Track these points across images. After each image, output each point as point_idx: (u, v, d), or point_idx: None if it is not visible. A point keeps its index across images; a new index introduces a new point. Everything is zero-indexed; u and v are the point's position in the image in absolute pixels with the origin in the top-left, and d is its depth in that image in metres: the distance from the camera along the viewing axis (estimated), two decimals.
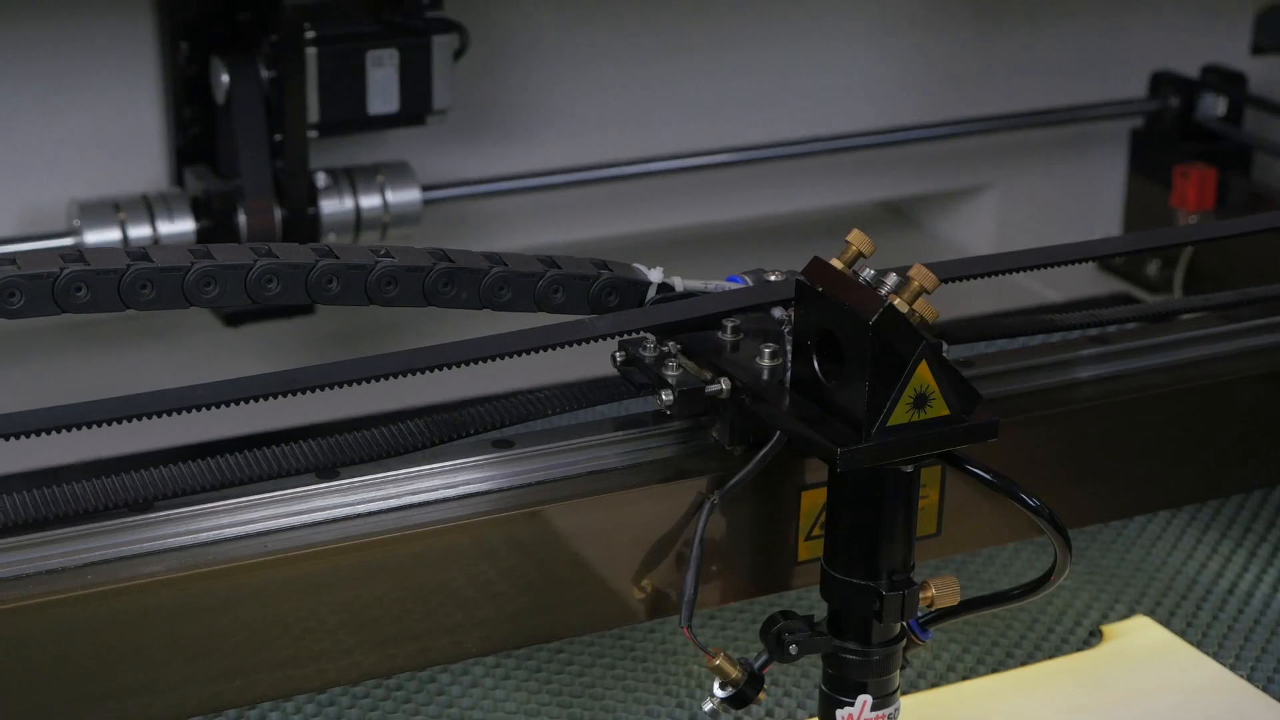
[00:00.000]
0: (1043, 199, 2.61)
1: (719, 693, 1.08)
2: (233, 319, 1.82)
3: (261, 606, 0.98)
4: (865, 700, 1.08)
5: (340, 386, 0.99)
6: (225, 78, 1.76)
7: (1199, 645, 1.32)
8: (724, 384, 1.07)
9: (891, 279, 0.99)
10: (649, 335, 1.12)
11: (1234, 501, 1.53)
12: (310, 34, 1.73)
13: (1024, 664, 1.30)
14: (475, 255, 1.08)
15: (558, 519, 1.05)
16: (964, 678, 1.28)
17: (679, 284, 1.14)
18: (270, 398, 0.98)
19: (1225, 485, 1.29)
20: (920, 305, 1.03)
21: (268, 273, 1.00)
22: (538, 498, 1.05)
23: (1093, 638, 1.33)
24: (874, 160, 2.49)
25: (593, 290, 1.11)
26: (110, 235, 1.74)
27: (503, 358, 1.04)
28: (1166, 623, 1.35)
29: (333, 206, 1.83)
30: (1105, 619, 1.36)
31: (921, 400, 0.99)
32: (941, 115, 2.47)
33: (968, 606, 1.11)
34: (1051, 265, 1.15)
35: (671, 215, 2.35)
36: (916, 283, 0.98)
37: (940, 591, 1.06)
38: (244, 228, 1.77)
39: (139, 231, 1.75)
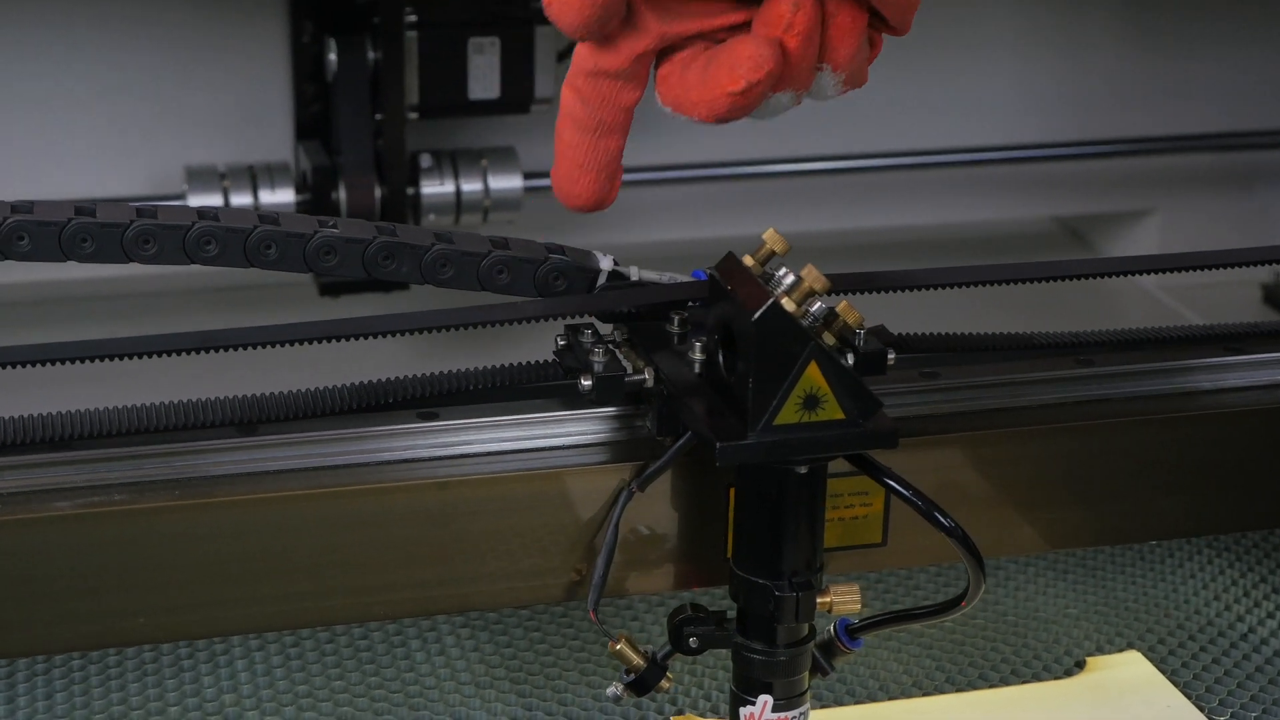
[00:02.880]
0: (1208, 228, 2.53)
1: (625, 678, 1.09)
2: (329, 289, 1.89)
3: (170, 551, 1.03)
4: (766, 701, 1.07)
5: (258, 347, 1.04)
6: (333, 56, 1.83)
7: (1187, 686, 1.27)
8: (648, 375, 1.08)
9: (789, 279, 0.98)
10: (594, 322, 1.13)
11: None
12: (413, 18, 1.79)
13: (994, 687, 1.27)
14: (422, 231, 1.11)
15: (474, 492, 1.07)
16: (927, 694, 1.26)
17: (634, 273, 1.16)
18: (186, 353, 1.03)
19: (1215, 522, 1.24)
20: (844, 309, 1.03)
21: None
22: (456, 469, 1.08)
23: (1076, 668, 1.30)
24: (1033, 176, 2.45)
25: (539, 274, 1.13)
26: (214, 201, 1.83)
27: (426, 332, 1.07)
28: (1163, 660, 1.31)
29: (433, 188, 1.89)
30: (1101, 650, 1.32)
31: (812, 401, 0.98)
32: (1103, 134, 2.42)
33: (886, 620, 1.10)
34: (976, 284, 1.13)
35: (807, 219, 2.34)
36: (806, 283, 0.97)
37: (839, 597, 1.05)
38: (344, 203, 1.84)
39: (240, 199, 1.83)
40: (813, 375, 0.98)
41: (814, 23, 0.95)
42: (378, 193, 1.85)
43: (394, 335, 1.07)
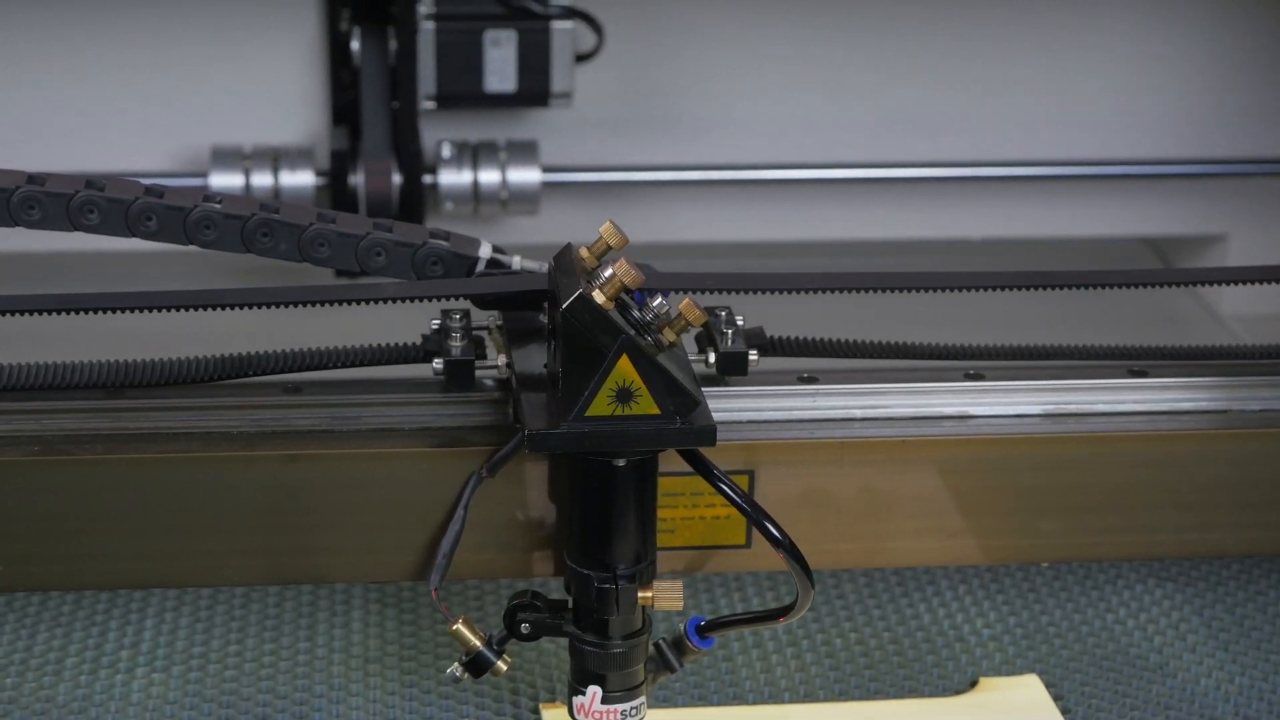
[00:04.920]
0: None
1: (464, 659, 1.11)
2: (344, 271, 1.92)
3: (25, 505, 1.08)
4: (595, 692, 1.08)
5: (120, 312, 1.08)
6: (356, 44, 1.87)
7: (1075, 714, 1.25)
8: (501, 362, 1.10)
9: (606, 273, 0.99)
10: (469, 307, 1.16)
11: (1235, 583, 1.43)
12: (431, 10, 1.83)
13: (876, 699, 1.26)
14: (306, 210, 1.15)
15: (324, 467, 1.10)
16: (812, 700, 1.25)
17: (516, 262, 1.18)
18: (50, 314, 1.07)
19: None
20: (685, 307, 1.03)
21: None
22: (308, 445, 1.11)
23: (970, 686, 1.28)
24: (1120, 192, 2.39)
25: (416, 257, 1.15)
26: (235, 181, 1.88)
27: (283, 306, 1.11)
28: (1060, 685, 1.29)
29: (451, 178, 1.92)
30: (1001, 671, 1.30)
31: (625, 395, 0.99)
32: (1175, 154, 2.35)
33: (725, 623, 1.10)
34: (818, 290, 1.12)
35: (879, 226, 2.32)
36: (617, 278, 0.98)
37: (661, 594, 1.06)
38: (361, 189, 1.88)
39: (261, 180, 1.89)
40: (624, 369, 0.99)
41: None
42: (395, 179, 1.89)
43: (252, 308, 1.10)
